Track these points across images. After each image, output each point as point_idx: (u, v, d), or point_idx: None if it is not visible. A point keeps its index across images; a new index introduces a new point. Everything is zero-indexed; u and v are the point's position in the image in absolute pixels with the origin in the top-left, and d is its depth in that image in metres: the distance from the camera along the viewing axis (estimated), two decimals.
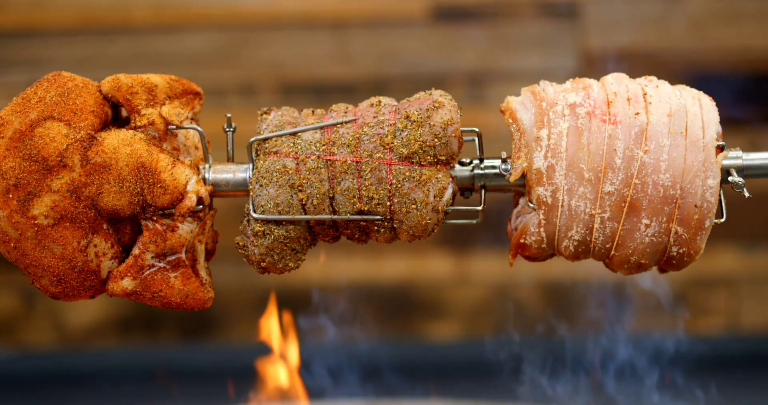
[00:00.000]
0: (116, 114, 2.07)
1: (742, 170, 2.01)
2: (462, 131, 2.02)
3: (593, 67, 3.90)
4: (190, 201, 2.01)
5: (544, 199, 1.97)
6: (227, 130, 2.09)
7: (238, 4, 3.95)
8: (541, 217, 1.99)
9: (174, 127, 2.04)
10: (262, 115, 2.07)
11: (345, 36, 3.94)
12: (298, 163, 1.98)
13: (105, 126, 2.02)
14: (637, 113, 1.96)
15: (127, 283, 2.04)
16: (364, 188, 1.98)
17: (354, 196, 1.99)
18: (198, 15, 3.94)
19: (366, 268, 4.03)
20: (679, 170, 1.95)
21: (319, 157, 1.98)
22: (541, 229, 2.00)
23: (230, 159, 2.10)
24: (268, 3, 3.94)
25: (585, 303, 3.87)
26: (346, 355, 3.82)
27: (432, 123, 1.97)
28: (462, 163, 2.06)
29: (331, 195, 2.00)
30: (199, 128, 2.06)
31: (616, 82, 2.02)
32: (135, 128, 2.02)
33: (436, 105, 1.98)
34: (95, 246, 2.01)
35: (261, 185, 2.00)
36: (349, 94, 3.87)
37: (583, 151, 1.95)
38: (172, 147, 2.06)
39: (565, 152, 1.96)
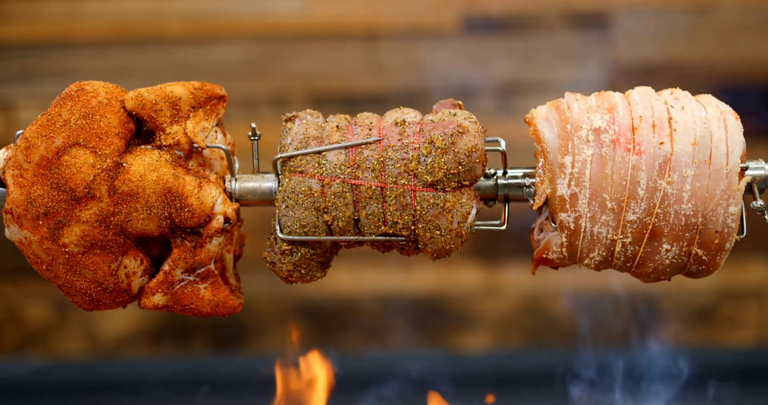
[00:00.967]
0: (140, 125, 2.06)
1: (765, 180, 2.00)
2: (487, 150, 2.01)
3: (622, 78, 3.89)
4: (218, 223, 2.02)
5: (567, 224, 1.98)
6: (253, 138, 2.09)
7: (269, 16, 3.96)
8: (564, 239, 1.99)
9: (198, 147, 2.04)
10: (286, 121, 2.06)
11: (376, 47, 3.94)
12: (323, 186, 1.98)
13: (130, 142, 2.02)
14: (662, 143, 1.95)
15: (159, 299, 2.06)
16: (389, 213, 1.98)
17: (379, 220, 1.99)
18: (229, 27, 3.95)
19: (396, 279, 4.02)
20: (701, 199, 1.94)
21: (344, 181, 1.98)
22: (563, 249, 2.01)
23: (256, 169, 2.11)
24: (300, 15, 3.95)
25: (615, 314, 3.86)
26: (375, 366, 3.82)
27: (456, 150, 1.95)
28: (486, 176, 2.07)
29: (356, 217, 2.00)
30: (223, 146, 2.05)
31: (642, 101, 2.00)
32: (160, 147, 2.02)
33: (461, 130, 1.97)
34: (125, 267, 2.02)
35: (287, 206, 2.00)
36: (380, 106, 3.87)
37: (607, 181, 1.95)
38: (198, 163, 2.06)
39: (588, 181, 1.95)
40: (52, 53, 3.97)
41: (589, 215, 1.96)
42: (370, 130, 2.01)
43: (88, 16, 3.96)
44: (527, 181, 2.03)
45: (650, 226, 1.95)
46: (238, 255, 2.17)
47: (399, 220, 1.98)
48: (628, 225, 1.96)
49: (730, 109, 2.01)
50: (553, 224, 2.00)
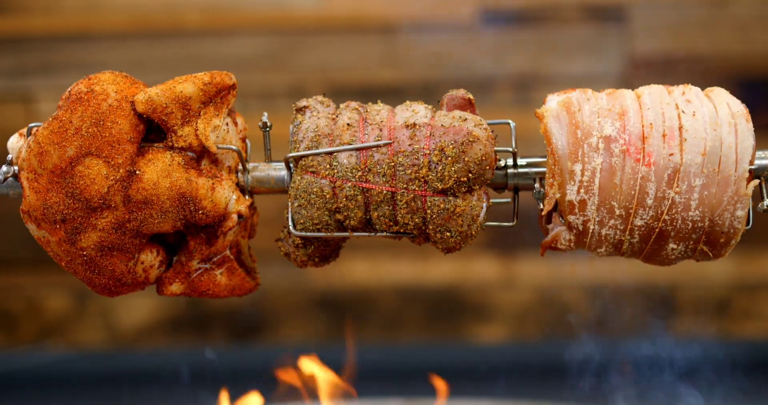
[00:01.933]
0: (151, 122, 2.04)
1: None
2: (497, 151, 2.01)
3: (639, 71, 3.90)
4: (232, 221, 2.04)
5: (576, 225, 1.99)
6: (264, 130, 2.10)
7: (287, 8, 3.97)
8: (572, 236, 2.01)
9: (209, 150, 2.03)
10: (296, 112, 2.06)
11: (393, 40, 3.95)
12: (334, 188, 2.00)
13: (142, 143, 2.02)
14: (672, 154, 1.95)
15: (176, 288, 2.09)
16: (400, 216, 2.00)
17: (390, 221, 2.01)
18: (248, 19, 3.97)
19: (413, 270, 4.04)
20: (709, 206, 1.95)
21: (355, 185, 1.99)
22: (572, 244, 2.03)
23: (268, 158, 2.13)
24: (318, 7, 3.96)
25: (631, 306, 3.87)
26: (392, 357, 3.84)
27: (467, 159, 1.96)
28: (497, 168, 2.07)
29: (367, 217, 2.02)
30: (234, 148, 2.06)
31: (653, 106, 1.99)
32: (172, 148, 2.02)
33: (471, 139, 1.96)
34: (142, 262, 2.05)
35: (300, 205, 2.01)
36: (398, 98, 3.86)
37: (616, 190, 1.95)
38: (210, 161, 2.06)
39: (597, 189, 1.96)
40: (72, 45, 3.99)
41: (597, 219, 1.97)
42: (380, 130, 2.01)
43: (107, 8, 3.98)
44: (536, 186, 2.05)
45: (657, 230, 1.97)
46: (251, 235, 2.20)
47: (410, 222, 2.00)
48: (636, 228, 1.97)
49: (743, 108, 1.99)
50: (562, 220, 2.01)
